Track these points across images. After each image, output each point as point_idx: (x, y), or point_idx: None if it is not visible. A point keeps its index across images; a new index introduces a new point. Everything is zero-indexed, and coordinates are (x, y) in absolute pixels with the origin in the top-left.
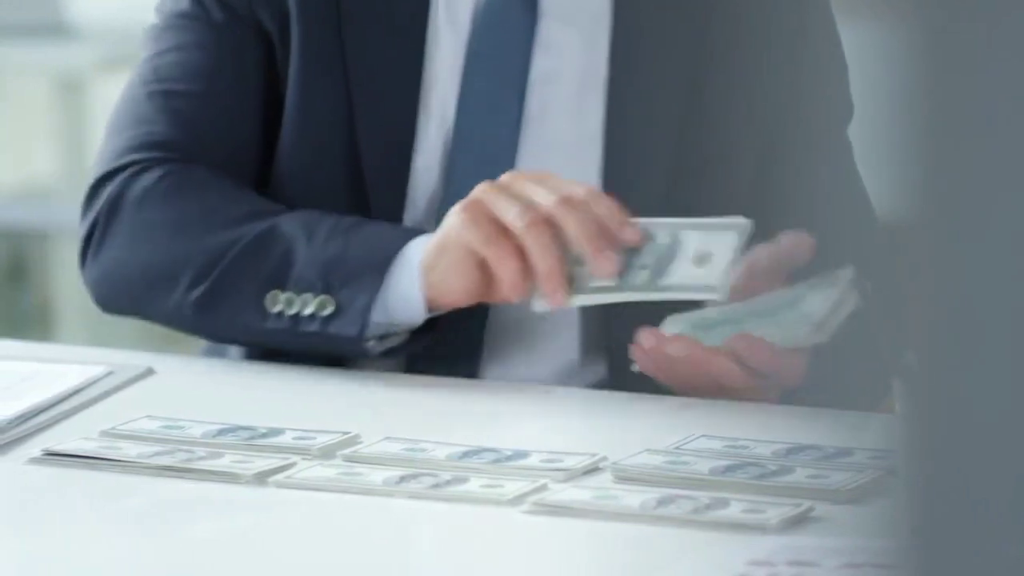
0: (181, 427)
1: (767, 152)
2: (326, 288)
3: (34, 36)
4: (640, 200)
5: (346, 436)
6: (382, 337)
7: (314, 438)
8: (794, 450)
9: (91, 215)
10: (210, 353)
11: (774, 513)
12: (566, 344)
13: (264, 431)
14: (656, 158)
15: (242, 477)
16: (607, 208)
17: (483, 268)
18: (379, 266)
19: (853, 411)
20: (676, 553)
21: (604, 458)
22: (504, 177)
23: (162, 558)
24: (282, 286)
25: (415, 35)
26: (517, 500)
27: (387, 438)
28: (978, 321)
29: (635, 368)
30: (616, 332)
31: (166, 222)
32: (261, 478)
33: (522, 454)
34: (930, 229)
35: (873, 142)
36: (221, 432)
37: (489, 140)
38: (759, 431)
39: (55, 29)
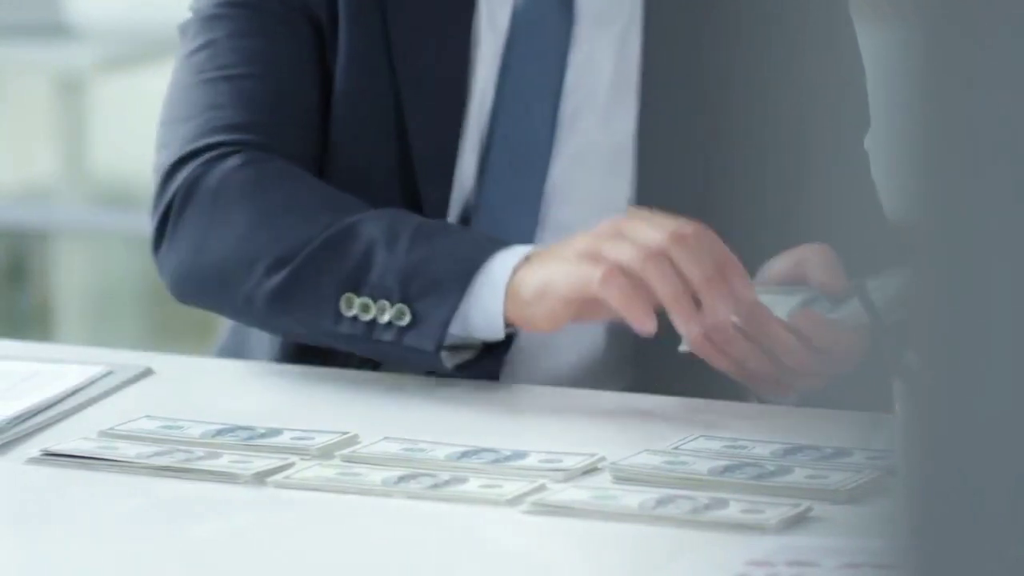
0: (180, 427)
1: (791, 157)
2: (404, 297)
3: (34, 36)
4: (675, 200)
5: (345, 436)
6: (454, 349)
7: (313, 438)
8: (792, 450)
9: (164, 201)
10: (227, 354)
11: (773, 513)
12: (591, 345)
13: (263, 431)
14: (689, 160)
15: (241, 477)
16: (716, 246)
17: (582, 308)
18: (461, 279)
19: (853, 411)
20: (676, 553)
21: (603, 458)
22: (609, 223)
23: (161, 558)
24: (358, 289)
25: (460, 34)
26: (516, 500)
27: (386, 438)
28: (979, 322)
29: (683, 349)
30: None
31: (245, 212)
32: (260, 478)
33: (521, 454)
34: (931, 230)
35: (875, 144)
36: (220, 432)
37: (524, 143)
38: (758, 431)
39: (55, 29)
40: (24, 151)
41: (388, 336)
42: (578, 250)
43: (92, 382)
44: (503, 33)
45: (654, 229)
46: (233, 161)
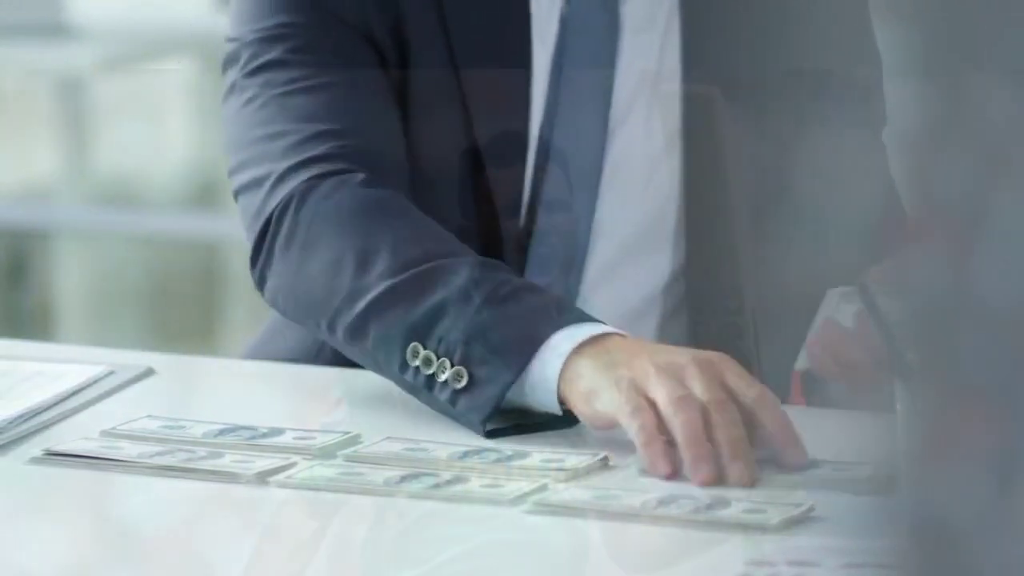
0: (182, 427)
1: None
2: (464, 359)
3: (34, 36)
4: (719, 199)
5: (347, 436)
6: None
7: (314, 438)
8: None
9: (264, 216)
10: (257, 355)
11: (775, 513)
12: None
13: (265, 431)
14: (733, 156)
15: (243, 477)
16: (777, 413)
17: (611, 424)
18: (522, 352)
19: (853, 411)
20: (677, 553)
21: (605, 458)
22: (667, 355)
23: (162, 558)
24: (425, 341)
25: (519, 46)
26: (518, 500)
27: (388, 438)
28: (978, 320)
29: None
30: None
31: (340, 240)
32: (262, 478)
33: (523, 454)
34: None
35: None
36: (222, 432)
37: (577, 151)
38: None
39: (55, 29)
40: (24, 151)
41: (444, 395)
42: (626, 378)
43: (93, 382)
44: (551, 43)
45: (708, 380)
46: (333, 182)
